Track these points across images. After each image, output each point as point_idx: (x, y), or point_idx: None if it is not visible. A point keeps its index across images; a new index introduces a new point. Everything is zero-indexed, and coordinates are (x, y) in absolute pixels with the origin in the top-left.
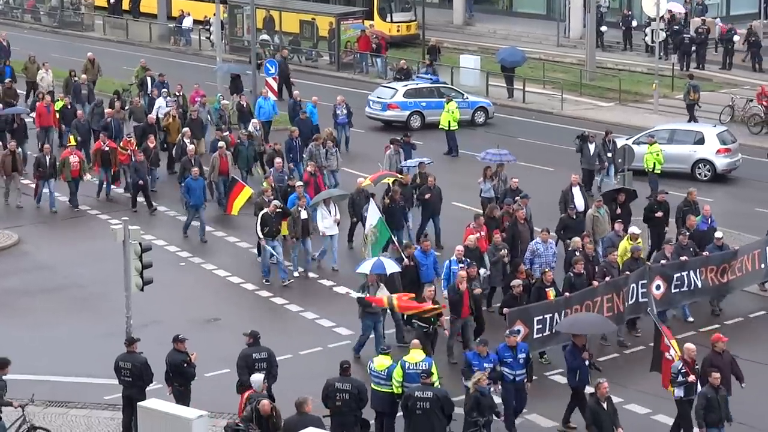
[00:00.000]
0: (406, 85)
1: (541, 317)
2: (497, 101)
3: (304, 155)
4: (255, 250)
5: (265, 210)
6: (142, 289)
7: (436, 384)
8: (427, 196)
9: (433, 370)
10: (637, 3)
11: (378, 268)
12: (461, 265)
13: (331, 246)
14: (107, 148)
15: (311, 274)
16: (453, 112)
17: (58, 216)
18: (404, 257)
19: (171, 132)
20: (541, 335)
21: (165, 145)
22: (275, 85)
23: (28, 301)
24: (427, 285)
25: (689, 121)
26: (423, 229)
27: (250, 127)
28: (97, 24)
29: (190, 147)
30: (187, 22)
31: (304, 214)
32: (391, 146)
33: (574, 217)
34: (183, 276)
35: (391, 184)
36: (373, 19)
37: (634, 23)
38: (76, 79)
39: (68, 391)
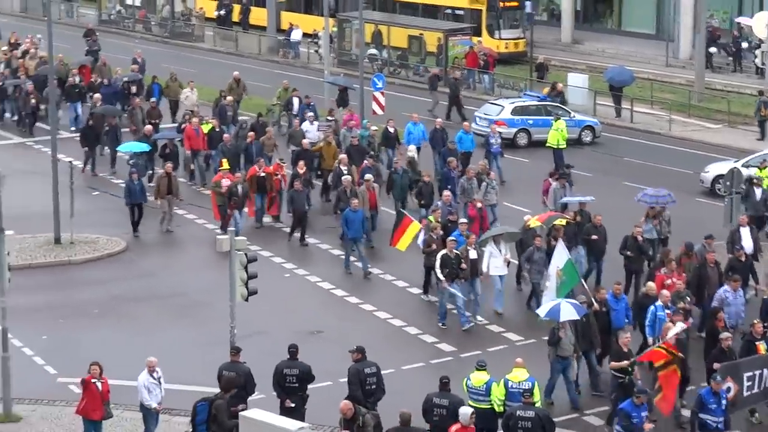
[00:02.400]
0: (513, 102)
1: (750, 373)
2: (604, 120)
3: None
4: (420, 289)
5: (445, 251)
6: (246, 299)
7: (538, 404)
8: (593, 237)
9: (536, 389)
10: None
11: (554, 314)
12: (668, 311)
13: (497, 287)
14: (263, 174)
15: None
16: (561, 131)
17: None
18: (594, 302)
19: (326, 158)
20: (750, 392)
21: (319, 172)
22: (382, 100)
23: (134, 307)
24: (621, 332)
25: (761, 138)
26: (591, 271)
27: (409, 153)
28: (207, 35)
29: (347, 177)
30: (296, 35)
31: (473, 254)
32: (554, 181)
33: (742, 259)
34: (287, 287)
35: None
36: (481, 36)
37: (744, 45)
38: (224, 100)
39: (172, 399)
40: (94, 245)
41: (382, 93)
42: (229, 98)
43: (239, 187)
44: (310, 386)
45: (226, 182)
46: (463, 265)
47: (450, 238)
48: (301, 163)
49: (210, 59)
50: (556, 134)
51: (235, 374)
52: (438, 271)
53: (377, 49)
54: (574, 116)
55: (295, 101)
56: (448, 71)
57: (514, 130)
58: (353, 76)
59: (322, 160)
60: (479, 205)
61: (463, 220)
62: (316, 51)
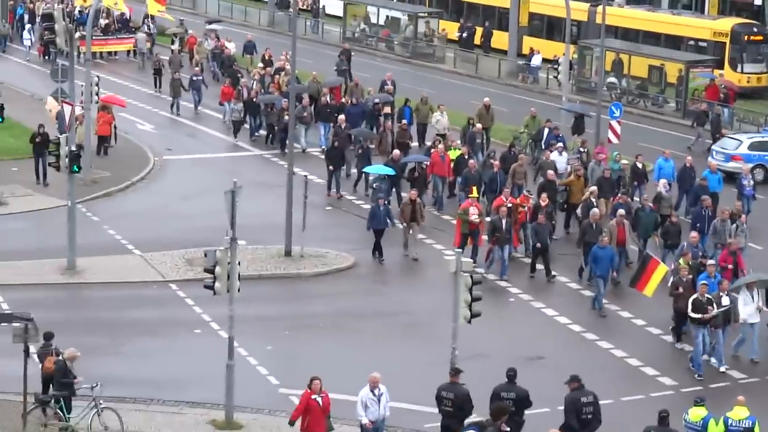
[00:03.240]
0: (751, 137)
1: None
2: None
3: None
4: (670, 336)
5: (696, 295)
6: (469, 321)
7: None
8: None
9: (757, 429)
10: None
11: None
12: None
13: (751, 335)
14: (509, 205)
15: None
16: None
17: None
18: None
19: (573, 192)
20: None
21: (565, 206)
22: (618, 128)
23: (358, 323)
24: None
25: None
26: None
27: (660, 188)
28: (448, 56)
29: (595, 211)
30: (536, 60)
31: (725, 300)
32: None
33: None
34: (510, 312)
35: None
36: (723, 69)
37: None
38: (473, 127)
39: (391, 416)
40: (324, 259)
41: (619, 122)
42: (479, 125)
43: (503, 221)
44: (527, 412)
45: (473, 211)
46: (714, 311)
47: (701, 281)
48: (544, 195)
49: (450, 81)
50: None
51: (508, 402)
52: (691, 315)
53: (616, 78)
54: None
55: (545, 131)
56: (689, 103)
57: (751, 165)
58: (591, 103)
59: (570, 194)
60: (734, 248)
61: (711, 261)
62: (556, 77)
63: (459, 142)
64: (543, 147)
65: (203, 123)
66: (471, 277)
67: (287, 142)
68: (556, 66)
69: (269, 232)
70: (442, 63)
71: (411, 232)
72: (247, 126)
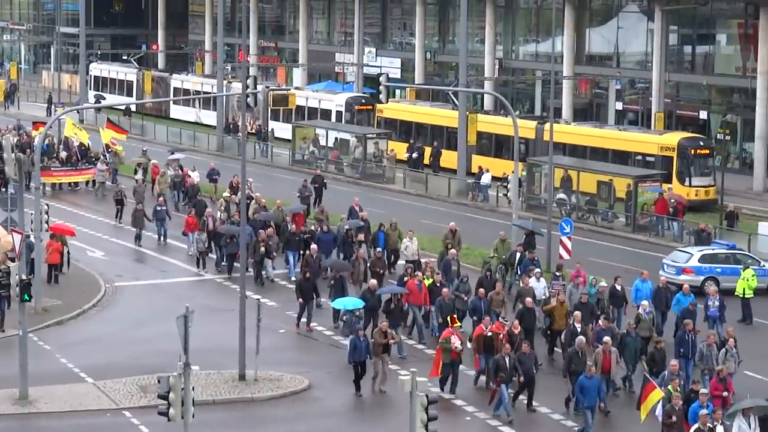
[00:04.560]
0: (701, 251)
1: None
2: None
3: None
4: None
5: (698, 425)
6: None
7: None
8: None
9: None
10: None
11: None
12: None
13: None
14: (489, 333)
15: None
16: (749, 280)
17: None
18: None
19: (557, 318)
20: None
21: (548, 332)
22: (569, 244)
23: None
24: None
25: None
26: None
27: (640, 310)
28: (398, 177)
29: (580, 339)
30: (486, 179)
31: (720, 429)
32: None
33: None
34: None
35: None
36: (671, 183)
37: None
38: (448, 254)
39: None
40: (278, 383)
41: (570, 238)
42: (453, 251)
43: (506, 359)
44: None
45: (455, 340)
46: None
47: (702, 412)
48: (516, 322)
49: (400, 200)
50: (743, 283)
51: None
52: None
53: (566, 194)
54: (764, 265)
55: (517, 255)
56: (637, 218)
57: (702, 277)
58: (541, 220)
59: (552, 320)
60: (724, 374)
61: (704, 390)
62: (505, 195)
63: (436, 268)
64: (518, 272)
65: (168, 254)
66: (426, 396)
67: (261, 272)
68: (505, 184)
69: (223, 356)
70: (392, 183)
71: (382, 364)
72: (212, 256)
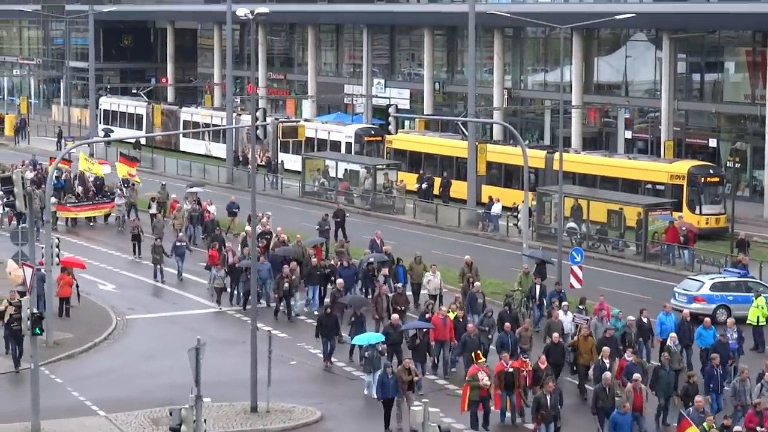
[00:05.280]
0: (713, 278)
1: None
2: None
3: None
4: None
5: None
6: None
7: None
8: None
9: None
10: None
11: None
12: None
13: None
14: (510, 369)
15: None
16: (762, 308)
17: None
18: None
19: (582, 353)
20: None
21: (574, 367)
22: (580, 273)
23: None
24: None
25: None
26: None
27: (669, 343)
28: (407, 207)
29: (607, 375)
30: (496, 209)
31: None
32: None
33: None
34: None
35: None
36: (681, 211)
37: None
38: (472, 288)
39: None
40: (290, 414)
41: (581, 267)
42: (477, 284)
43: (548, 397)
44: None
45: (483, 376)
46: None
47: None
48: (543, 357)
49: (411, 231)
50: (756, 311)
51: None
52: None
53: (576, 223)
54: None
55: (537, 288)
56: (648, 246)
57: (713, 306)
58: (552, 249)
59: (578, 355)
60: (761, 408)
61: (738, 428)
62: (516, 224)
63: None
64: (542, 305)
65: (185, 289)
66: (439, 427)
67: (282, 306)
68: (515, 213)
69: (235, 388)
70: (402, 214)
71: (405, 401)
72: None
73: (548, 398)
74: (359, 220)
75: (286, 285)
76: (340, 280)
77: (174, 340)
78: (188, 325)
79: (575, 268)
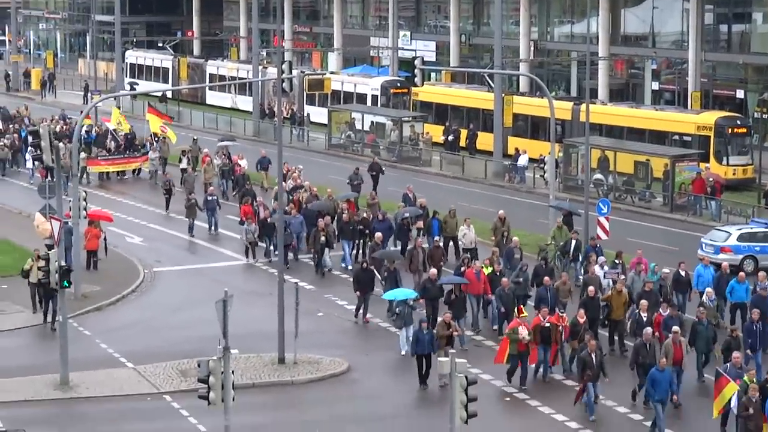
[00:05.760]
0: (740, 229)
1: None
2: None
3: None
4: None
5: None
6: (466, 422)
7: None
8: None
9: None
10: None
11: None
12: None
13: None
14: (547, 324)
15: None
16: None
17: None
18: None
19: (615, 308)
20: None
21: (606, 322)
22: (607, 225)
23: (356, 428)
24: None
25: None
26: None
27: (704, 298)
28: (434, 159)
29: (647, 330)
30: (523, 160)
31: None
32: None
33: None
34: (506, 414)
35: None
36: (708, 162)
37: None
38: (511, 243)
39: None
40: (318, 365)
41: (607, 218)
42: (515, 239)
43: (593, 356)
44: None
45: (523, 330)
46: None
47: None
48: (582, 311)
49: (437, 183)
50: None
51: None
52: None
53: (603, 174)
54: None
55: (572, 243)
56: (675, 197)
57: (741, 257)
58: (578, 201)
59: (610, 310)
60: None
61: None
62: (542, 176)
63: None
64: (576, 259)
65: (220, 244)
66: (466, 377)
67: (320, 262)
68: (542, 165)
69: (262, 340)
70: (429, 166)
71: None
72: (262, 245)
73: (593, 357)
74: (386, 172)
75: (323, 238)
76: (378, 234)
77: (202, 293)
78: (216, 277)
79: (602, 219)
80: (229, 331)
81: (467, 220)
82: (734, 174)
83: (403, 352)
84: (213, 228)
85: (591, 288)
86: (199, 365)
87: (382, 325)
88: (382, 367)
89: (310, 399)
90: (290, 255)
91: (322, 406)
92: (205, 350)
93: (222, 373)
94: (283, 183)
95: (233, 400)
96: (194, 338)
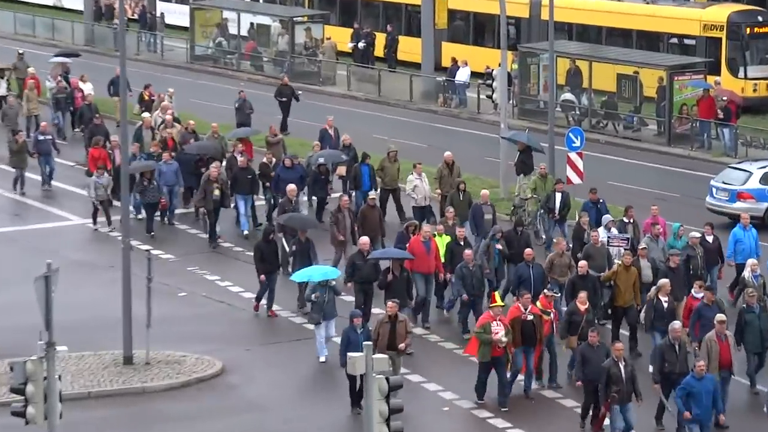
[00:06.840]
0: (764, 167)
1: None
2: None
3: None
4: None
5: None
6: None
7: None
8: None
9: None
10: None
11: None
12: None
13: None
14: (530, 316)
15: None
16: None
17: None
18: None
19: (622, 290)
20: None
21: (609, 311)
22: (580, 164)
23: None
24: None
25: None
26: None
27: (746, 273)
28: (339, 76)
29: (675, 325)
30: (462, 75)
31: None
32: None
33: None
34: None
35: None
36: (719, 74)
37: None
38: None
39: None
40: (179, 367)
41: (581, 155)
42: (485, 192)
43: (621, 367)
44: None
45: (497, 328)
46: None
47: None
48: (582, 295)
49: (344, 108)
50: None
51: None
52: None
53: (574, 94)
54: None
55: (557, 196)
56: (674, 124)
57: (765, 205)
58: (540, 131)
59: (616, 293)
60: None
61: None
62: (490, 96)
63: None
64: (562, 220)
65: (56, 203)
66: (387, 380)
67: (214, 227)
68: (489, 82)
69: (101, 332)
70: (332, 84)
71: (392, 362)
72: (118, 204)
73: (622, 368)
74: (269, 94)
75: (217, 192)
76: (291, 186)
77: (15, 266)
78: (34, 244)
79: (573, 156)
80: (55, 319)
81: (418, 167)
82: (755, 91)
83: (322, 359)
84: (47, 181)
85: (583, 262)
86: (12, 368)
87: (296, 321)
88: (265, 366)
89: (168, 413)
90: (157, 217)
91: (184, 423)
92: (20, 347)
93: (45, 379)
94: (148, 114)
95: (60, 417)
96: (5, 329)
